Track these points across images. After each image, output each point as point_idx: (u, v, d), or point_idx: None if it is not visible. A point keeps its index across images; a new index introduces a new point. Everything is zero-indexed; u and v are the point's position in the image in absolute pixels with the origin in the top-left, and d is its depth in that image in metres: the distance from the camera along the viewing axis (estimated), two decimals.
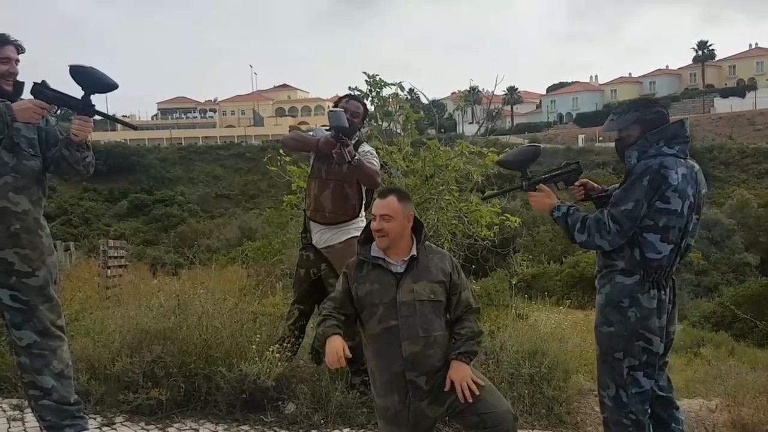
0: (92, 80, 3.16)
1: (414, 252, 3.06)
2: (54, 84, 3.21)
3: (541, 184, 3.30)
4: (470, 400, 2.88)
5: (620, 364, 3.09)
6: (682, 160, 3.06)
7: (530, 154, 3.39)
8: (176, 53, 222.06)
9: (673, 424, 3.29)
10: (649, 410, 3.16)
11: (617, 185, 3.32)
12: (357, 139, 4.27)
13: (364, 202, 4.21)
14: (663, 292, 3.09)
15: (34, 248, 3.19)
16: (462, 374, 2.92)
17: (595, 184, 3.41)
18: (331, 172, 4.07)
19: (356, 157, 3.87)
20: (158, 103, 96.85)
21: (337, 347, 2.87)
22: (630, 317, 3.04)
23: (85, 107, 3.19)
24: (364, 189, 4.17)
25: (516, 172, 3.45)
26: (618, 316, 3.06)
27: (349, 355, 2.89)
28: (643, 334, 3.04)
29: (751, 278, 22.07)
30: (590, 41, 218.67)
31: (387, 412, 3.04)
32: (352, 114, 4.18)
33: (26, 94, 3.20)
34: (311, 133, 4.38)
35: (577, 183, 3.36)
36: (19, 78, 3.24)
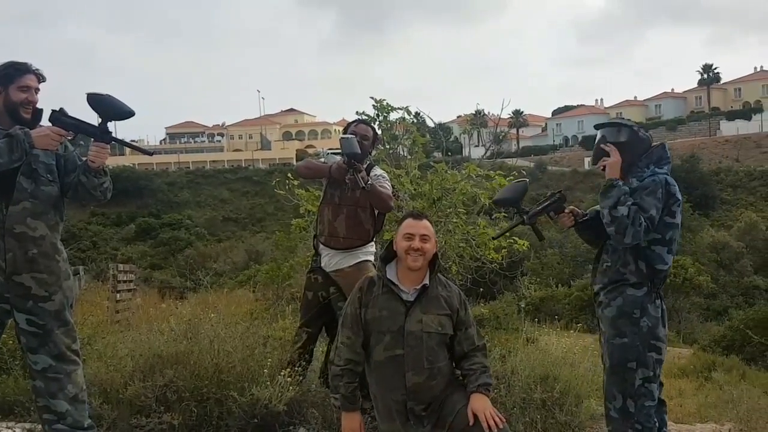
0: (109, 108, 3.22)
1: (426, 281, 3.09)
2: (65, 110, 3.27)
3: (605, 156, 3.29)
4: (495, 431, 2.88)
5: (633, 374, 3.18)
6: (671, 177, 3.24)
7: (521, 189, 3.58)
8: (184, 78, 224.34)
9: (664, 429, 3.36)
10: (656, 421, 3.23)
11: (597, 208, 3.44)
12: (368, 163, 4.29)
13: (376, 226, 4.23)
14: (663, 302, 3.26)
15: (51, 273, 3.22)
16: (484, 406, 2.95)
17: (579, 211, 3.56)
18: (345, 197, 4.08)
19: (369, 182, 3.88)
20: (167, 128, 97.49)
21: (354, 428, 3.03)
22: (642, 327, 3.17)
23: (102, 134, 3.25)
24: (376, 213, 4.19)
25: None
26: (631, 327, 3.18)
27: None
28: (654, 344, 3.19)
29: (760, 301, 21.94)
30: (598, 65, 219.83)
31: None
32: (362, 137, 4.19)
33: (44, 122, 3.26)
34: (322, 159, 4.41)
35: (566, 211, 3.49)
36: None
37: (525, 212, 3.48)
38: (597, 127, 3.43)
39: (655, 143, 3.40)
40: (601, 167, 3.34)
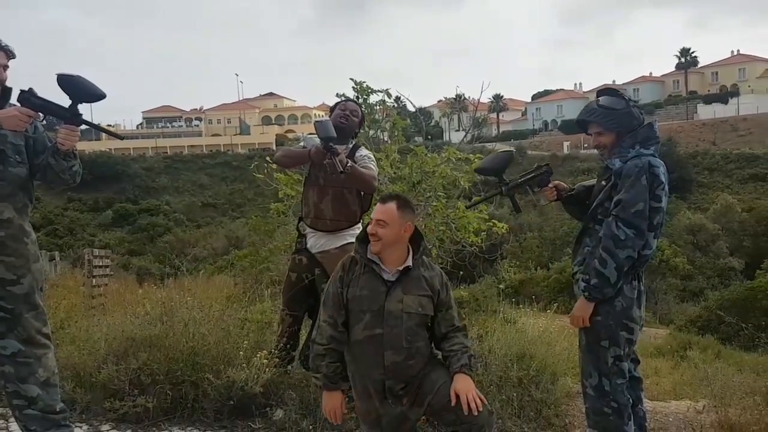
0: (80, 89, 3.12)
1: (409, 263, 3.06)
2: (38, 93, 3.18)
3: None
4: (475, 413, 2.87)
5: (606, 352, 3.18)
6: (658, 159, 3.17)
7: (505, 159, 3.49)
8: (161, 62, 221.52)
9: (639, 405, 3.37)
10: (630, 398, 3.24)
11: (585, 184, 3.46)
12: (354, 143, 4.22)
13: (363, 206, 4.18)
14: (641, 283, 3.23)
15: (20, 256, 3.15)
16: (467, 386, 2.92)
17: (565, 185, 3.51)
18: (329, 178, 3.98)
19: (349, 165, 3.75)
20: (143, 112, 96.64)
21: (335, 406, 3.01)
22: (616, 306, 3.14)
23: (72, 116, 3.16)
24: (363, 193, 4.12)
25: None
26: (605, 306, 3.15)
27: (346, 411, 3.04)
28: (626, 324, 3.16)
29: (735, 282, 22.28)
30: (578, 49, 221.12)
31: (369, 416, 3.08)
32: (351, 112, 4.17)
33: (14, 100, 3.17)
34: (301, 143, 4.31)
35: (550, 185, 3.46)
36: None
37: (505, 183, 3.42)
38: (600, 93, 3.35)
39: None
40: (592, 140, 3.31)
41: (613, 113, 3.20)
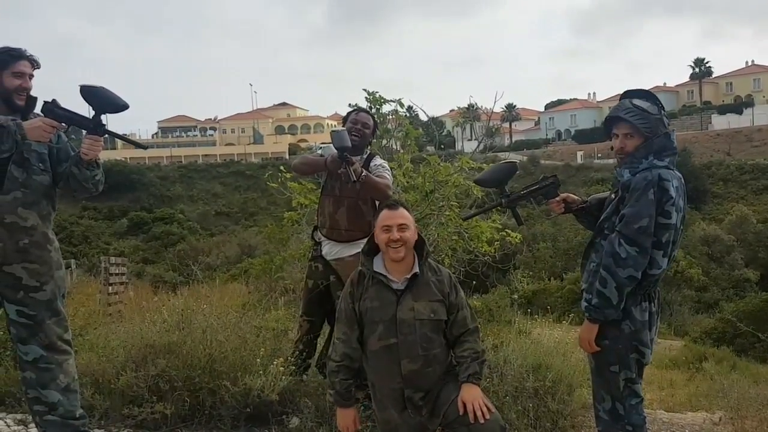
0: (103, 100, 3.18)
1: (416, 269, 3.07)
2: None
3: None
4: (482, 421, 2.87)
5: (616, 377, 3.05)
6: (672, 171, 2.99)
7: (506, 171, 3.35)
8: (176, 72, 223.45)
9: None
10: (645, 417, 3.16)
11: (598, 196, 3.31)
12: (369, 152, 4.27)
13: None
14: (653, 304, 3.08)
15: (43, 263, 3.21)
16: (473, 395, 2.94)
17: (576, 197, 3.35)
18: (345, 189, 4.03)
19: (363, 174, 3.81)
20: (158, 122, 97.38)
21: (348, 424, 3.06)
22: (624, 329, 3.00)
23: (95, 127, 3.23)
24: (377, 204, 4.16)
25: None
26: (612, 330, 3.00)
27: (360, 428, 3.09)
28: (636, 347, 3.02)
29: (751, 294, 22.06)
30: (591, 58, 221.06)
31: (388, 426, 3.08)
32: (363, 125, 4.20)
33: (38, 110, 3.23)
34: (319, 152, 4.36)
35: (557, 198, 3.30)
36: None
37: (506, 195, 3.31)
38: (629, 93, 3.10)
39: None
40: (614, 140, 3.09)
41: (648, 116, 2.99)
